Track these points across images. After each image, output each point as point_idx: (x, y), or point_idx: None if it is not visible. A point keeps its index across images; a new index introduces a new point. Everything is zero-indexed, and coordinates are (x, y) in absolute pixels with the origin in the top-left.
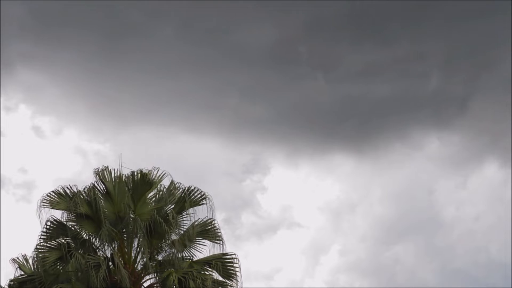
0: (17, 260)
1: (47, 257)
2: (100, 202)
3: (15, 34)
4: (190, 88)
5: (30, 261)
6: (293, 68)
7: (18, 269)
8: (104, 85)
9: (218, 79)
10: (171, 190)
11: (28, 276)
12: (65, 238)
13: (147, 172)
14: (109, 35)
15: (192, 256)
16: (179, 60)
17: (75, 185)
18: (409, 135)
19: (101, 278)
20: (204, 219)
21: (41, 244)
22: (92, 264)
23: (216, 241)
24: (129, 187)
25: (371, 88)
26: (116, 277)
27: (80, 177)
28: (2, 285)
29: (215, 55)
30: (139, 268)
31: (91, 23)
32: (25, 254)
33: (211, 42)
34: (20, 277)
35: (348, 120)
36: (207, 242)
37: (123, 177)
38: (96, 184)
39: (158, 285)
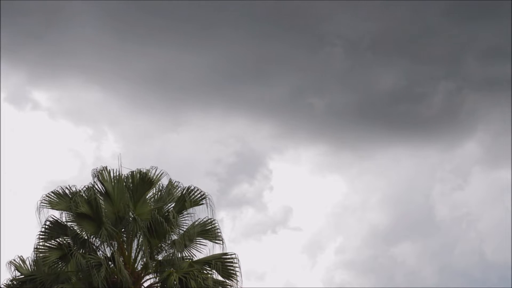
0: (14, 261)
1: (47, 257)
2: (100, 201)
3: None
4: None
5: (27, 262)
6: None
7: (16, 271)
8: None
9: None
10: (170, 189)
11: (28, 276)
12: (65, 238)
13: (145, 171)
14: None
15: (192, 256)
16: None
17: (74, 186)
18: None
19: (103, 277)
20: (204, 219)
21: (41, 244)
22: (93, 264)
23: (216, 241)
24: (129, 187)
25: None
26: (116, 277)
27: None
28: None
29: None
30: (139, 268)
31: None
32: (21, 256)
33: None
34: (20, 277)
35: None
36: (207, 242)
37: (123, 177)
38: (94, 184)
39: (158, 285)
